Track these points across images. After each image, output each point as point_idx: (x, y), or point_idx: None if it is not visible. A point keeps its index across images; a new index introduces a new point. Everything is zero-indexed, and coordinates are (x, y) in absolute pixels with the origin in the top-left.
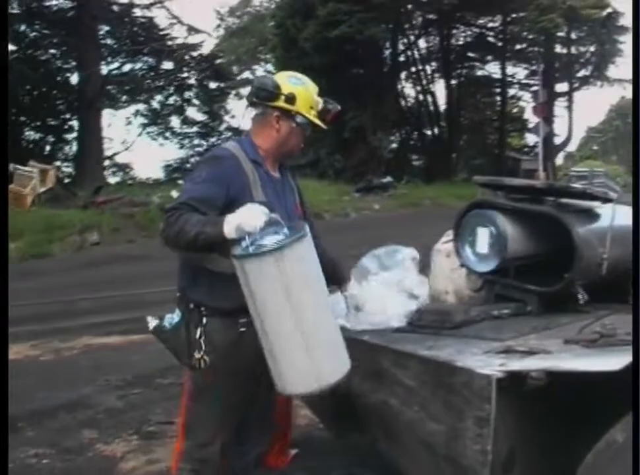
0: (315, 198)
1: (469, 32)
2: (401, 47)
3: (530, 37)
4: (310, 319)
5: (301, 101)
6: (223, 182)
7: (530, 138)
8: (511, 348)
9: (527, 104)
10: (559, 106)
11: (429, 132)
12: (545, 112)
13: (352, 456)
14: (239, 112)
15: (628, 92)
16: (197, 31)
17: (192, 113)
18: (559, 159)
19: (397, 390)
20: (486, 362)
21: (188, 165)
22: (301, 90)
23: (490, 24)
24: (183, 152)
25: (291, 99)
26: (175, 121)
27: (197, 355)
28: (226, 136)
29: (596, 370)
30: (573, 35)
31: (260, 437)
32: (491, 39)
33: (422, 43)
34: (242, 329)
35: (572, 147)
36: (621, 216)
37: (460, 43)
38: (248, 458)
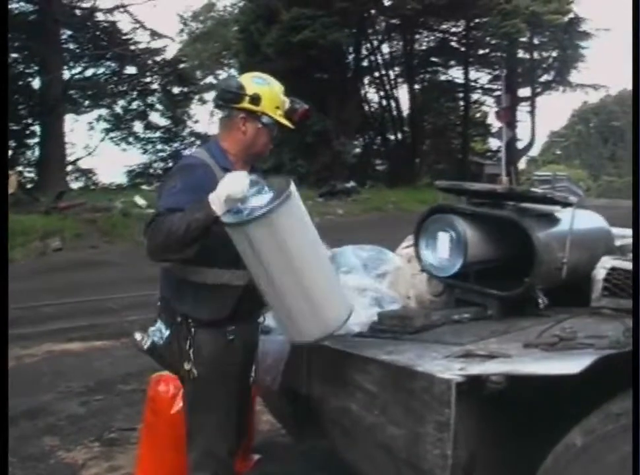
0: None
1: (432, 37)
2: (364, 52)
3: (493, 42)
4: (312, 270)
5: (266, 101)
6: (198, 190)
7: (493, 143)
8: (470, 352)
9: (490, 109)
10: (522, 111)
11: (392, 137)
12: (508, 117)
13: (313, 461)
14: (202, 117)
15: (590, 97)
16: (160, 36)
17: (155, 118)
18: (522, 164)
19: (358, 395)
20: (446, 366)
21: (151, 171)
22: (265, 90)
23: (453, 29)
24: (146, 157)
25: (256, 99)
26: (138, 126)
27: (187, 367)
28: (189, 141)
29: (555, 373)
30: (536, 41)
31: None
32: (454, 44)
33: (385, 48)
34: (230, 337)
35: (535, 151)
36: (581, 220)
37: (423, 48)
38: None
